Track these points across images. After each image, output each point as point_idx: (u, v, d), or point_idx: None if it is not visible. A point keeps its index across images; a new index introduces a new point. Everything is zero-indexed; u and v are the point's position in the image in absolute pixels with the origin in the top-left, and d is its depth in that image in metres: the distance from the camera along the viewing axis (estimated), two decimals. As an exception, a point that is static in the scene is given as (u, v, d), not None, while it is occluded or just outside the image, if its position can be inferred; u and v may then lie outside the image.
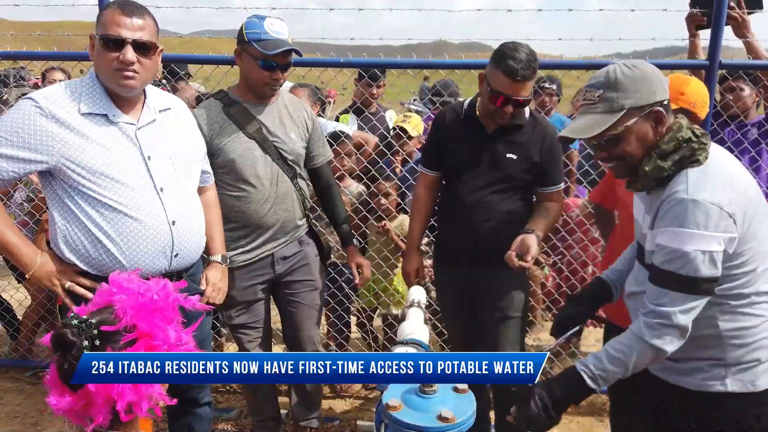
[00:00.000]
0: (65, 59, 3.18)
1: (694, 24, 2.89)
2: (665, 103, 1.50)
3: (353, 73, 3.90)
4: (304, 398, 2.76)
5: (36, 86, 6.25)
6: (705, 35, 2.81)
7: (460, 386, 0.97)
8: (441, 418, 0.89)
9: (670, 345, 1.45)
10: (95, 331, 1.17)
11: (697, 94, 2.12)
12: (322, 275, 2.63)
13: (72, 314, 1.22)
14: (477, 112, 2.37)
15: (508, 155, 2.33)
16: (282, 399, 3.20)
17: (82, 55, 2.97)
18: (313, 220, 2.61)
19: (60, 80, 3.91)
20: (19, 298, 3.97)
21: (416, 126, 3.63)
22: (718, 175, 1.46)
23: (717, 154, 1.53)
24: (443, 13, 3.73)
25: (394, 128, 3.60)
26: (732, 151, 2.55)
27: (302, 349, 2.62)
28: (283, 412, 3.07)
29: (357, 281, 2.57)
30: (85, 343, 1.16)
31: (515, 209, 2.38)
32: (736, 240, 1.42)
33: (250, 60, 2.26)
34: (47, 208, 1.93)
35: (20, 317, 3.71)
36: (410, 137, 3.50)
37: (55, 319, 3.45)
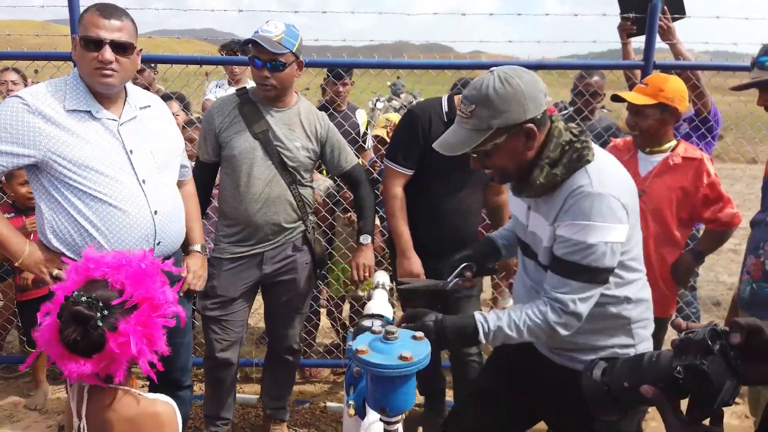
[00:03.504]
0: (21, 59, 3.20)
1: (625, 32, 3.18)
2: (538, 117, 1.50)
3: (318, 73, 4.05)
4: (274, 388, 2.87)
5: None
6: (639, 38, 3.08)
7: (418, 334, 1.15)
8: (402, 357, 1.06)
9: (565, 329, 1.53)
10: (102, 305, 1.32)
11: (675, 90, 2.35)
12: (311, 281, 2.67)
13: (75, 293, 1.36)
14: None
15: None
16: (254, 387, 3.35)
17: (39, 54, 3.03)
18: (312, 227, 2.62)
19: (12, 80, 3.95)
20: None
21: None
22: (613, 170, 1.56)
23: (600, 151, 1.60)
24: (402, 15, 3.91)
25: (375, 136, 3.76)
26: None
27: (282, 344, 2.75)
28: (254, 397, 3.22)
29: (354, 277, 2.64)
30: (98, 314, 1.31)
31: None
32: (627, 230, 1.51)
33: (249, 60, 2.36)
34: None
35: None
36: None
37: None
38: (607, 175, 1.50)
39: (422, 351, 1.10)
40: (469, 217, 2.47)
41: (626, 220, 1.49)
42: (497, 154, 1.53)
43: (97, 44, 1.90)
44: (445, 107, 2.46)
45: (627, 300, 1.61)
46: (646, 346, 1.71)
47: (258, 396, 3.13)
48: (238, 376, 2.82)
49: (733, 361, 0.90)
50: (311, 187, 2.61)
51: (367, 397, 1.16)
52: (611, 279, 1.56)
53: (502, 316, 1.54)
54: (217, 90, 4.40)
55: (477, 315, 1.54)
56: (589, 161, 1.51)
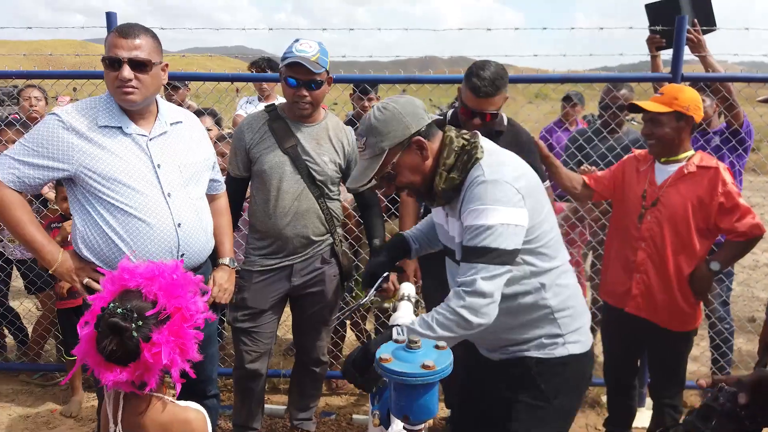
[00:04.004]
0: (61, 77, 3.33)
1: (654, 45, 3.18)
2: (423, 129, 1.65)
3: (345, 88, 4.12)
4: (301, 399, 2.91)
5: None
6: (668, 51, 3.07)
7: (440, 344, 1.17)
8: (424, 366, 1.09)
9: (473, 313, 1.50)
10: (136, 315, 1.39)
11: (691, 99, 2.37)
12: (338, 293, 2.71)
13: (112, 304, 1.43)
14: (460, 122, 2.54)
15: None
16: (282, 398, 3.38)
17: (78, 73, 3.18)
18: (340, 240, 2.67)
19: (35, 96, 4.13)
20: (27, 307, 4.13)
21: None
22: (508, 161, 1.67)
23: (496, 148, 1.72)
24: (430, 30, 3.97)
25: None
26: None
27: (309, 355, 2.79)
28: (282, 408, 3.25)
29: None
30: (134, 326, 1.37)
31: None
32: (527, 215, 1.57)
33: (283, 81, 2.42)
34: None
35: (26, 325, 3.86)
36: None
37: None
38: (499, 165, 1.62)
39: (444, 360, 1.12)
40: None
41: (523, 204, 1.56)
42: (400, 172, 1.67)
43: (117, 63, 1.98)
44: (449, 115, 2.63)
45: (543, 287, 1.64)
46: (576, 336, 1.70)
47: (285, 407, 3.16)
48: (266, 387, 2.86)
49: (746, 420, 0.94)
50: (338, 200, 2.65)
51: (390, 405, 1.18)
52: (526, 268, 1.61)
53: (416, 319, 1.60)
54: (248, 106, 4.51)
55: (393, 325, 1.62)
56: (479, 158, 1.63)
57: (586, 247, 3.56)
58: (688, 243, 2.39)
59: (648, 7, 3.18)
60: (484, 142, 1.72)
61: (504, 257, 1.52)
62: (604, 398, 3.13)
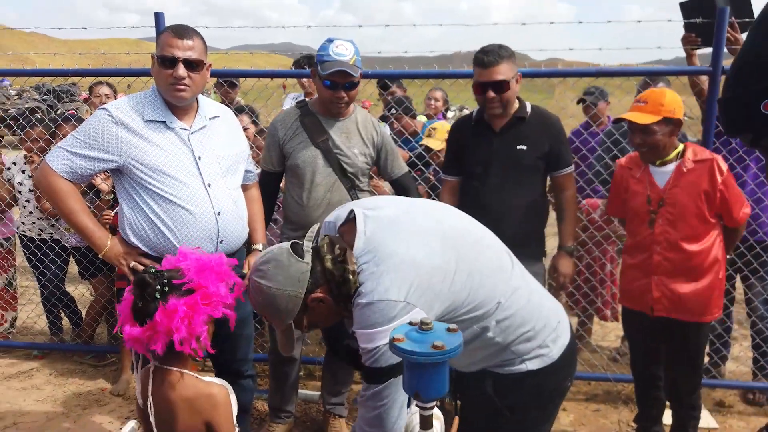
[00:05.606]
0: (114, 75, 3.54)
1: (689, 44, 3.14)
2: (309, 285, 1.50)
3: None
4: (333, 385, 3.01)
5: (85, 101, 6.73)
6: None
7: (452, 326, 1.22)
8: (434, 346, 1.14)
9: (384, 425, 1.51)
10: (165, 281, 1.53)
11: (674, 101, 2.39)
12: None
13: (150, 266, 1.58)
14: (485, 115, 2.65)
15: (518, 147, 2.59)
16: (317, 384, 3.49)
17: (130, 71, 3.36)
18: None
19: (105, 94, 4.35)
20: (81, 291, 4.38)
21: (442, 135, 3.89)
22: (384, 271, 1.45)
23: (382, 243, 1.50)
24: (476, 22, 3.99)
25: (421, 145, 3.86)
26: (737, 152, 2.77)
27: (338, 340, 2.88)
28: (316, 393, 3.36)
29: None
30: (158, 287, 1.51)
31: (532, 196, 2.64)
32: (418, 312, 1.43)
33: (317, 79, 2.53)
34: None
35: (80, 309, 4.11)
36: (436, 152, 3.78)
37: (114, 309, 3.84)
38: (374, 284, 1.46)
39: (454, 341, 1.17)
40: (513, 214, 2.56)
41: (408, 309, 1.43)
42: (319, 323, 1.62)
43: (172, 62, 2.12)
44: (475, 112, 2.72)
45: (486, 330, 1.56)
46: (538, 352, 1.62)
47: (319, 393, 3.27)
48: (302, 374, 2.96)
49: None
50: (369, 192, 2.73)
51: (403, 383, 1.25)
52: (462, 325, 1.49)
53: None
54: (294, 102, 4.63)
55: None
56: (354, 287, 1.49)
57: (621, 242, 3.52)
58: (702, 235, 2.42)
59: (682, 5, 3.13)
60: (371, 226, 1.54)
61: (392, 372, 1.47)
62: (636, 394, 3.11)
